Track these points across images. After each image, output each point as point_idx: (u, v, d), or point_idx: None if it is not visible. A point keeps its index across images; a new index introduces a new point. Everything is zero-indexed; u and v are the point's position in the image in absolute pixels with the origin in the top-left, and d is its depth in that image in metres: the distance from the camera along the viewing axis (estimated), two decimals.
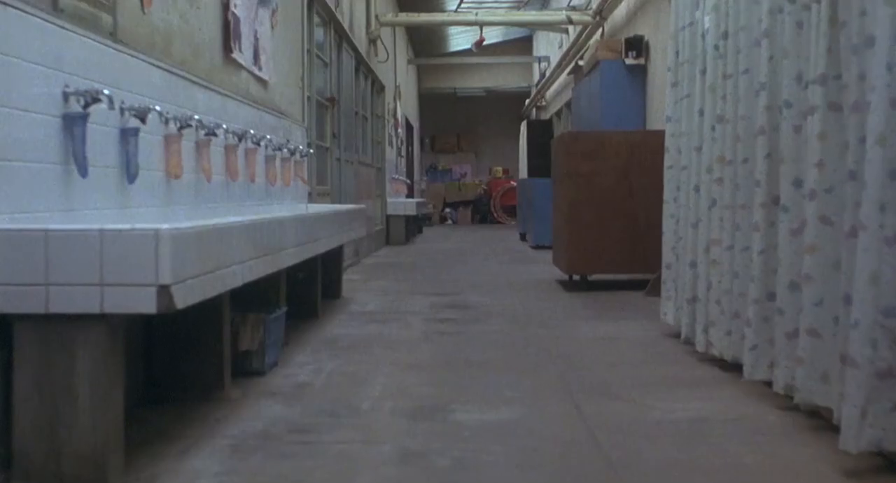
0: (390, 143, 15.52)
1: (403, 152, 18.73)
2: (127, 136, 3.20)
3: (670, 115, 5.10)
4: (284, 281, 4.58)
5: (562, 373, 4.11)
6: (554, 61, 18.36)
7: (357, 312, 6.16)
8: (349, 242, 7.50)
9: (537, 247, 12.76)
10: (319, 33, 8.89)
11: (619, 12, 11.47)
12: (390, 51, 14.83)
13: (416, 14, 13.53)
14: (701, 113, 4.47)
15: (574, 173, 7.27)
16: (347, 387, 3.82)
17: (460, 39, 22.13)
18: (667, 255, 5.12)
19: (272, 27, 5.90)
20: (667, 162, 5.14)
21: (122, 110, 3.21)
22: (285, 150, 5.99)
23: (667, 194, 5.13)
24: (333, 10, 8.99)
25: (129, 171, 3.22)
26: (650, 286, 6.94)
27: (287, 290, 5.31)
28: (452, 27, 20.76)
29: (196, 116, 3.77)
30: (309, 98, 7.88)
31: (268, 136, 5.13)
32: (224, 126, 4.17)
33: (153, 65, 3.60)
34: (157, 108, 3.29)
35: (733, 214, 3.99)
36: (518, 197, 17.20)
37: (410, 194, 19.98)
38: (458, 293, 7.31)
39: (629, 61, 10.19)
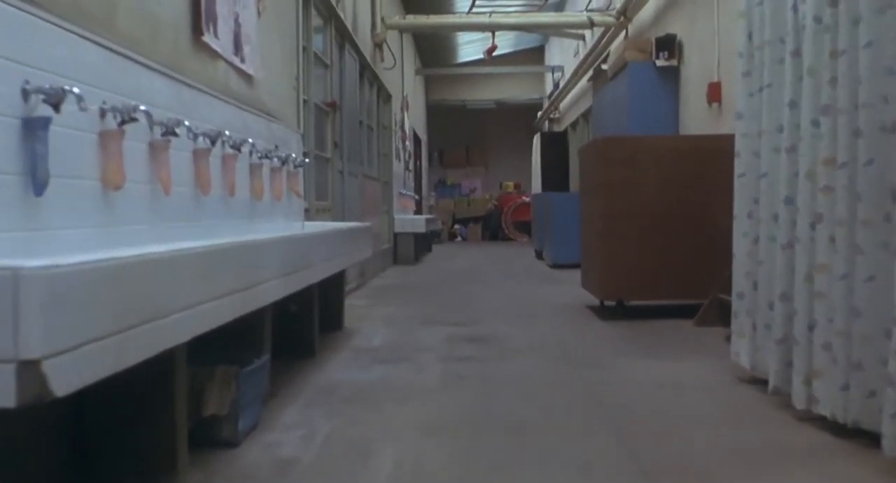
0: (397, 157, 14.61)
1: (411, 166, 17.82)
2: (33, 128, 2.28)
3: (741, 111, 4.17)
4: (269, 320, 3.65)
5: (623, 438, 3.16)
6: (569, 70, 17.48)
7: (361, 349, 5.22)
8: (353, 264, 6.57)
9: (556, 266, 11.84)
10: (319, 36, 7.99)
11: (647, 11, 10.56)
12: (398, 59, 13.94)
13: (424, 16, 12.60)
14: (793, 105, 3.53)
15: (608, 184, 6.33)
16: (345, 465, 2.88)
17: (470, 50, 21.28)
18: (739, 283, 4.18)
19: (259, 13, 5.00)
20: (738, 169, 4.20)
21: (25, 92, 2.28)
22: (275, 159, 5.06)
23: (738, 208, 4.20)
24: (334, 5, 8.09)
25: (36, 179, 2.29)
26: (701, 314, 5.99)
27: (276, 325, 4.40)
28: (462, 36, 19.94)
29: (143, 107, 2.85)
30: (306, 101, 6.97)
31: (250, 140, 4.20)
32: (186, 123, 3.24)
33: (83, 37, 2.68)
34: (76, 90, 2.36)
35: (850, 233, 3.04)
36: (533, 213, 16.26)
37: (419, 210, 19.07)
38: (476, 322, 6.37)
39: (660, 63, 9.27)
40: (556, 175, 17.87)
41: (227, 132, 3.80)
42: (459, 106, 24.71)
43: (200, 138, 3.72)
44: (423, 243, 15.03)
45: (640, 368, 4.51)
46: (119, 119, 2.82)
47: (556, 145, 18.55)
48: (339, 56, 8.88)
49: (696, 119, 8.57)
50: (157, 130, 3.20)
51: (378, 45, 11.57)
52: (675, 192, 6.29)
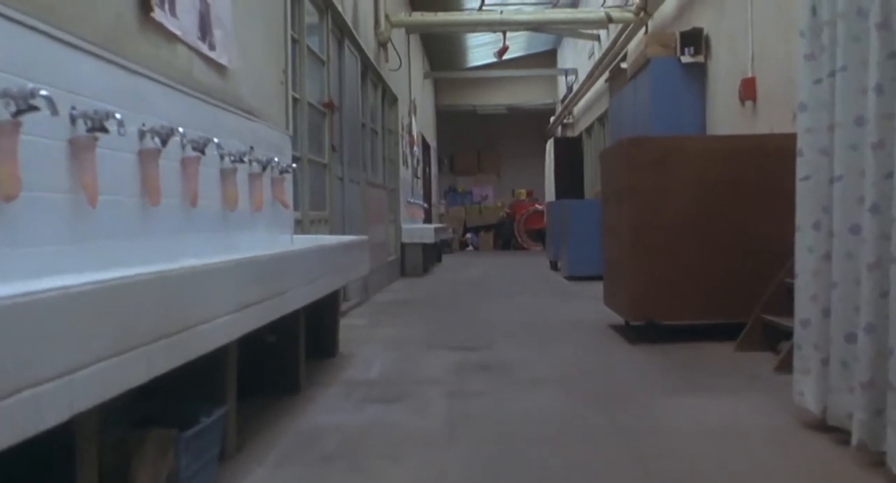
0: (405, 163, 13.92)
1: (420, 173, 17.13)
2: None
3: (805, 101, 3.46)
4: (232, 363, 2.96)
5: None
6: (583, 73, 16.80)
7: (355, 382, 4.52)
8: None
9: (573, 278, 11.12)
10: (314, 31, 7.32)
11: (669, 5, 9.86)
12: (404, 61, 13.29)
13: (432, 14, 11.89)
14: (880, 90, 2.83)
15: (636, 190, 5.62)
16: None
17: (480, 53, 20.65)
18: (803, 308, 3.47)
19: None
20: (801, 171, 3.49)
21: None
22: (255, 164, 4.39)
23: (801, 217, 3.49)
24: None
25: None
26: (743, 337, 5.27)
27: (254, 358, 3.74)
28: (472, 39, 19.31)
29: (44, 93, 2.16)
30: (298, 100, 6.29)
31: (215, 141, 3.51)
32: (118, 116, 2.56)
33: None
34: None
35: None
36: (547, 221, 15.55)
37: (428, 219, 18.38)
38: (488, 346, 5.66)
39: (685, 59, 8.58)
40: (570, 182, 17.20)
41: (181, 129, 3.11)
42: (470, 111, 24.01)
43: (148, 136, 3.04)
44: (432, 253, 14.35)
45: (681, 409, 3.80)
46: (14, 107, 2.14)
47: (570, 151, 17.87)
48: (338, 53, 8.20)
49: (726, 119, 7.87)
50: (80, 124, 2.53)
51: (382, 45, 10.90)
52: (712, 198, 5.58)
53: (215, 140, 3.50)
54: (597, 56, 14.59)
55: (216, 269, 2.27)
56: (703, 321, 5.75)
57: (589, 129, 17.29)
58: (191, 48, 3.72)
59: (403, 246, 12.75)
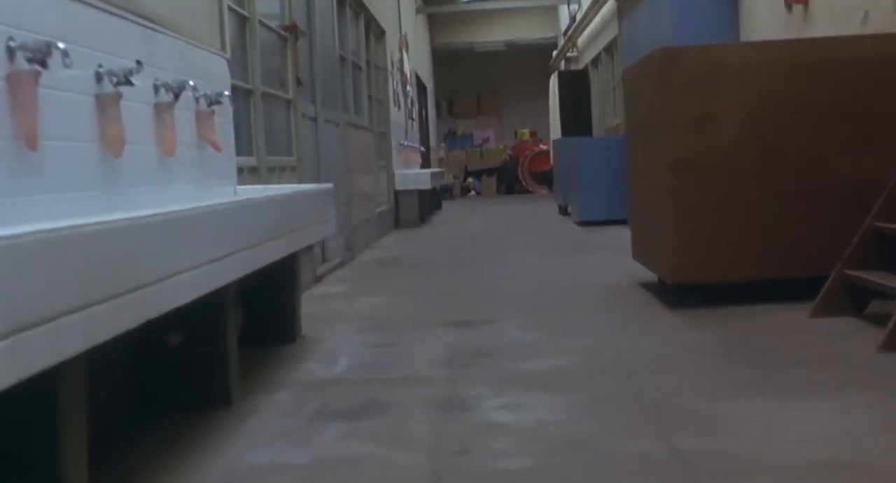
0: (396, 103, 12.63)
1: (415, 115, 15.83)
2: None
3: None
4: (76, 398, 1.79)
5: None
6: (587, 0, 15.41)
7: (313, 382, 3.36)
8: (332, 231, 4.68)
9: (585, 223, 9.97)
10: None
11: None
12: None
13: None
14: None
15: (675, 118, 4.40)
16: None
17: None
18: None
19: None
20: None
21: None
22: (163, 91, 3.18)
23: None
24: None
25: None
26: (821, 300, 4.09)
27: (166, 365, 2.61)
28: None
29: None
30: (246, 19, 5.05)
31: (61, 46, 2.29)
32: None
33: None
34: None
35: None
36: (554, 161, 14.32)
37: (426, 164, 17.13)
38: (490, 320, 4.49)
39: None
40: (577, 119, 15.90)
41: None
42: (467, 49, 22.62)
43: None
44: (430, 201, 13.17)
45: (767, 422, 2.61)
46: None
47: (575, 85, 16.53)
48: None
49: (768, 30, 6.60)
50: None
51: None
52: (773, 126, 4.36)
53: (61, 46, 2.27)
54: None
55: None
56: (763, 279, 4.53)
57: (595, 61, 15.96)
58: None
59: (397, 194, 11.56)
